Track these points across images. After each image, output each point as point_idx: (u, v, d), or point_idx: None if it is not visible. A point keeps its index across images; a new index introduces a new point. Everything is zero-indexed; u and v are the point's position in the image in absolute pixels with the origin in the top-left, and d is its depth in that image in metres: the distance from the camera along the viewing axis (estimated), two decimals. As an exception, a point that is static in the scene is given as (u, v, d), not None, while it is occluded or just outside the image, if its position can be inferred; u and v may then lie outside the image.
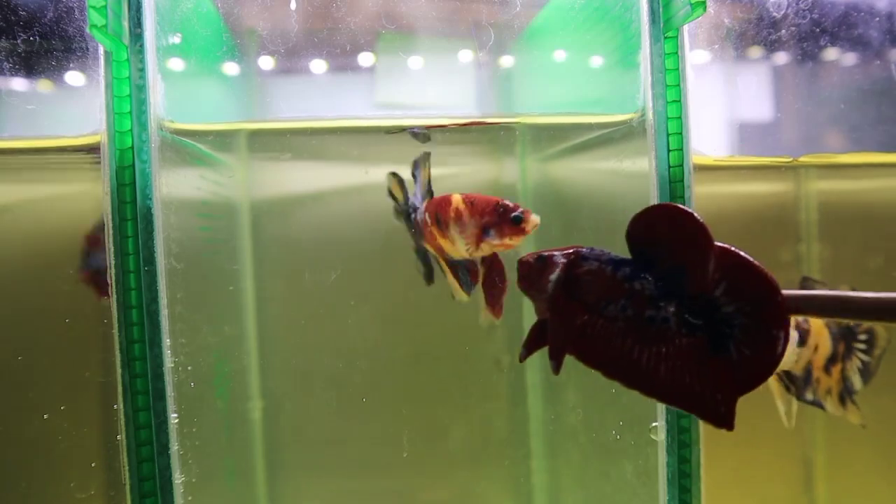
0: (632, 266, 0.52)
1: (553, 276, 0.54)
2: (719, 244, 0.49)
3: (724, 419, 0.49)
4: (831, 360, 0.97)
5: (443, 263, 0.88)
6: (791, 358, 0.94)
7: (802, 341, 0.94)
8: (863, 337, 0.97)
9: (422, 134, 0.99)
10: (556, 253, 0.55)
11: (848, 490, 1.27)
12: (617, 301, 0.52)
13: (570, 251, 0.55)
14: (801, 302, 0.49)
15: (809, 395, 0.95)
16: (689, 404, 0.50)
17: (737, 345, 0.49)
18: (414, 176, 0.89)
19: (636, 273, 0.52)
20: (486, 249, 0.81)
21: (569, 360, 0.54)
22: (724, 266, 0.49)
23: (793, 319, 0.98)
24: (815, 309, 0.50)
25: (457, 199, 0.84)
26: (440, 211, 0.84)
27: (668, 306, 0.51)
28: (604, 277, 0.52)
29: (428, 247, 0.89)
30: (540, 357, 1.31)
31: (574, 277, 0.53)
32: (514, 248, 0.82)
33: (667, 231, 0.50)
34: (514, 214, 0.79)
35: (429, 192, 0.89)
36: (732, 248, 0.50)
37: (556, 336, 0.54)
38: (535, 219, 0.79)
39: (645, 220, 0.51)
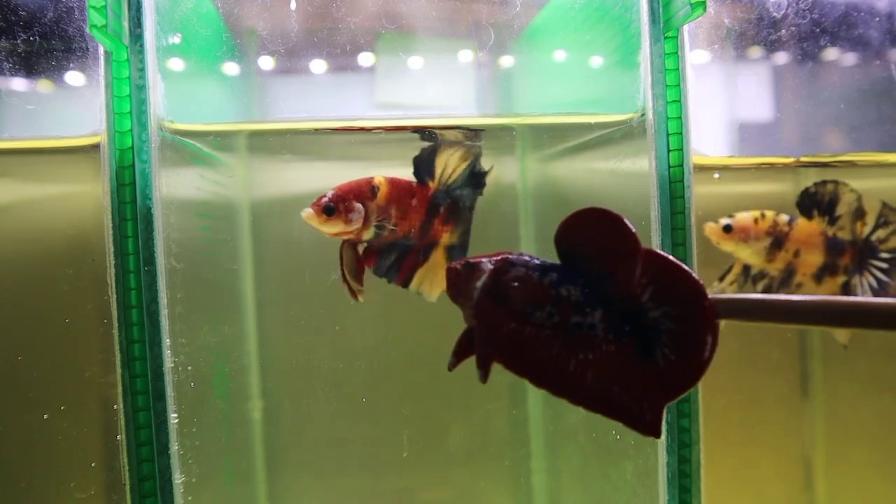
0: (559, 272, 0.51)
1: (479, 283, 0.53)
2: (647, 248, 0.48)
3: (650, 427, 0.48)
4: (825, 270, 1.00)
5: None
6: (758, 255, 0.98)
7: (779, 244, 0.99)
8: (885, 255, 0.99)
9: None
10: (483, 259, 0.54)
11: (847, 489, 1.27)
12: (543, 307, 0.51)
13: (499, 257, 0.53)
14: (729, 305, 0.48)
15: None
16: (616, 412, 0.49)
17: (663, 350, 0.48)
18: (421, 172, 0.90)
19: (563, 279, 0.51)
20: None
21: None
22: (651, 270, 0.48)
23: (770, 221, 1.02)
24: (743, 313, 0.48)
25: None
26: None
27: (595, 312, 0.50)
28: (530, 284, 0.51)
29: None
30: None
31: (501, 284, 0.52)
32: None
33: (594, 235, 0.50)
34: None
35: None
36: (659, 252, 0.49)
37: (483, 344, 0.52)
38: (304, 212, 0.82)
39: (573, 224, 0.50)
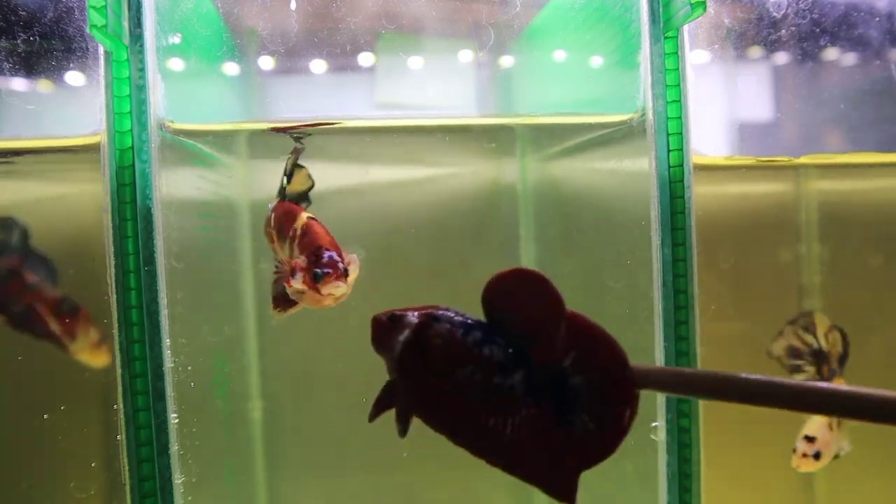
0: (484, 330, 0.50)
1: (402, 337, 0.51)
2: (573, 312, 0.47)
3: (565, 494, 0.47)
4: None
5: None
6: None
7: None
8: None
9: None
10: (409, 312, 0.52)
11: (848, 490, 1.27)
12: (465, 366, 0.49)
13: (425, 312, 0.52)
14: (650, 377, 0.46)
15: None
16: (532, 476, 0.48)
17: (582, 418, 0.47)
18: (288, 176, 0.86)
19: (487, 338, 0.49)
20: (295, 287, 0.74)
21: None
22: (575, 334, 0.47)
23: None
24: (664, 385, 0.47)
25: (302, 217, 0.79)
26: (285, 222, 0.82)
27: (516, 374, 0.48)
28: (454, 341, 0.50)
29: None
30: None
31: (424, 339, 0.50)
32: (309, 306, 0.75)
33: (519, 295, 0.48)
34: (316, 270, 0.71)
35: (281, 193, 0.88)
36: (584, 317, 0.47)
37: (403, 399, 0.52)
38: (335, 288, 0.70)
39: (500, 282, 0.49)
